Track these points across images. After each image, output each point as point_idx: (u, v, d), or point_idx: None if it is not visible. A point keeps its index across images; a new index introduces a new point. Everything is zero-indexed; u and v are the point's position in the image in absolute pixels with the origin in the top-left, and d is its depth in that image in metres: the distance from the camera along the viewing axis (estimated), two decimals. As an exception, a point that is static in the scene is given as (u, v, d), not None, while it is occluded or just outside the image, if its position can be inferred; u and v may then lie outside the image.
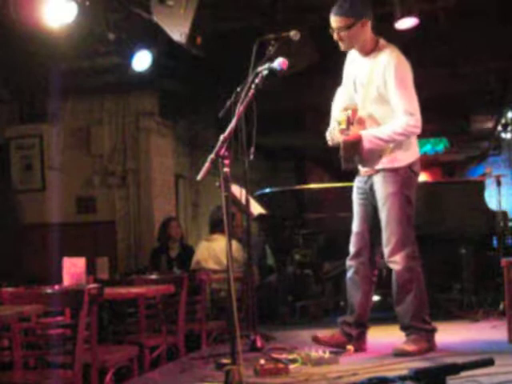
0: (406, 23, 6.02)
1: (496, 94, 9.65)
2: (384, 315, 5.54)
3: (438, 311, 5.99)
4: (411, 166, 4.03)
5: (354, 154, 4.05)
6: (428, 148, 12.55)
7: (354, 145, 3.98)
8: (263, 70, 3.79)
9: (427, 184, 7.82)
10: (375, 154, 4.03)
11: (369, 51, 4.05)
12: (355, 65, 4.17)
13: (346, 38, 3.96)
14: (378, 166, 4.04)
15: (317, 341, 4.03)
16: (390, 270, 4.14)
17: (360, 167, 4.16)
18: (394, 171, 3.99)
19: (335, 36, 3.98)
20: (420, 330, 3.98)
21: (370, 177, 4.10)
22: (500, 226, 6.22)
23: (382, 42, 4.06)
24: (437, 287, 6.52)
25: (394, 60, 3.93)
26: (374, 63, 4.01)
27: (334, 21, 3.94)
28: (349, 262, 4.21)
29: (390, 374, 2.25)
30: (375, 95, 4.01)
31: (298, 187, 6.82)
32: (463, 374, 2.16)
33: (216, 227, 6.24)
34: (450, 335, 4.64)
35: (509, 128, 10.90)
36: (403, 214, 3.99)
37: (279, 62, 3.79)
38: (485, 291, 6.34)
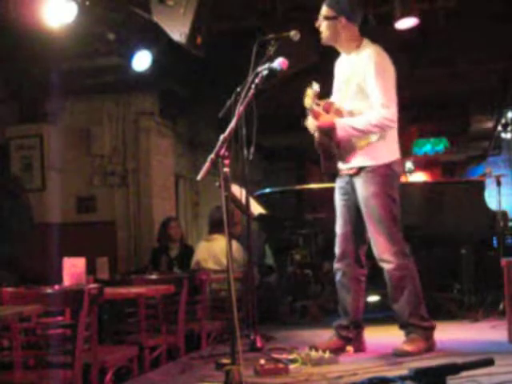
0: (405, 23, 6.03)
1: (496, 94, 9.65)
2: (384, 315, 5.54)
3: (437, 311, 5.99)
4: (391, 165, 4.03)
5: (328, 142, 4.05)
6: (428, 148, 12.56)
7: (328, 132, 4.00)
8: (263, 69, 3.80)
9: (427, 184, 7.83)
10: (351, 148, 4.05)
11: (351, 50, 4.13)
12: (340, 66, 4.27)
13: (324, 28, 4.09)
14: (357, 164, 4.05)
15: (315, 349, 4.02)
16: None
17: (340, 165, 4.17)
18: (374, 171, 4.00)
19: (316, 23, 4.10)
20: (418, 327, 3.98)
21: (351, 177, 4.11)
22: (500, 226, 6.21)
23: (365, 41, 4.12)
24: (437, 287, 6.52)
25: (375, 55, 4.00)
26: (356, 60, 4.09)
27: (322, 9, 4.11)
28: (336, 265, 4.21)
29: (390, 374, 2.25)
30: (355, 90, 4.06)
31: (298, 187, 6.81)
32: (463, 374, 2.16)
33: (215, 227, 6.24)
34: (450, 335, 4.64)
35: (509, 128, 10.90)
36: (388, 213, 3.99)
37: (279, 62, 3.80)
38: (485, 291, 6.34)
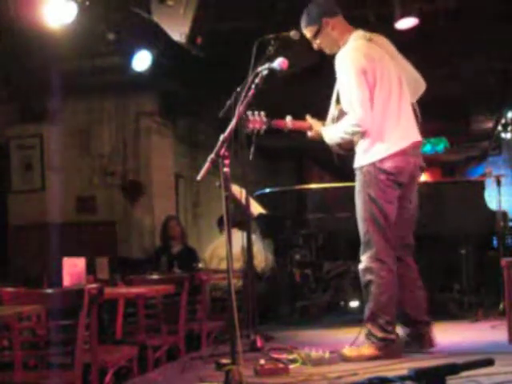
0: (405, 23, 6.03)
1: (496, 94, 9.66)
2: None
3: (438, 311, 5.98)
4: (378, 163, 3.90)
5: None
6: (428, 148, 12.53)
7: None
8: (263, 69, 3.79)
9: (427, 184, 7.81)
10: (353, 149, 4.05)
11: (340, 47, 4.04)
12: None
13: (321, 43, 4.04)
14: (354, 165, 4.05)
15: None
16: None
17: None
18: (358, 170, 3.97)
19: (314, 46, 4.06)
20: (371, 334, 3.86)
21: None
22: (500, 226, 6.21)
23: (350, 38, 3.99)
24: (437, 287, 6.51)
25: (337, 61, 3.93)
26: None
27: (305, 33, 4.05)
28: None
29: (390, 374, 2.25)
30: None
31: (297, 187, 6.80)
32: (463, 374, 2.16)
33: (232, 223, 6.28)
34: (450, 335, 4.64)
35: (509, 128, 10.91)
36: (365, 213, 3.92)
37: (279, 62, 3.79)
38: (485, 291, 6.34)
